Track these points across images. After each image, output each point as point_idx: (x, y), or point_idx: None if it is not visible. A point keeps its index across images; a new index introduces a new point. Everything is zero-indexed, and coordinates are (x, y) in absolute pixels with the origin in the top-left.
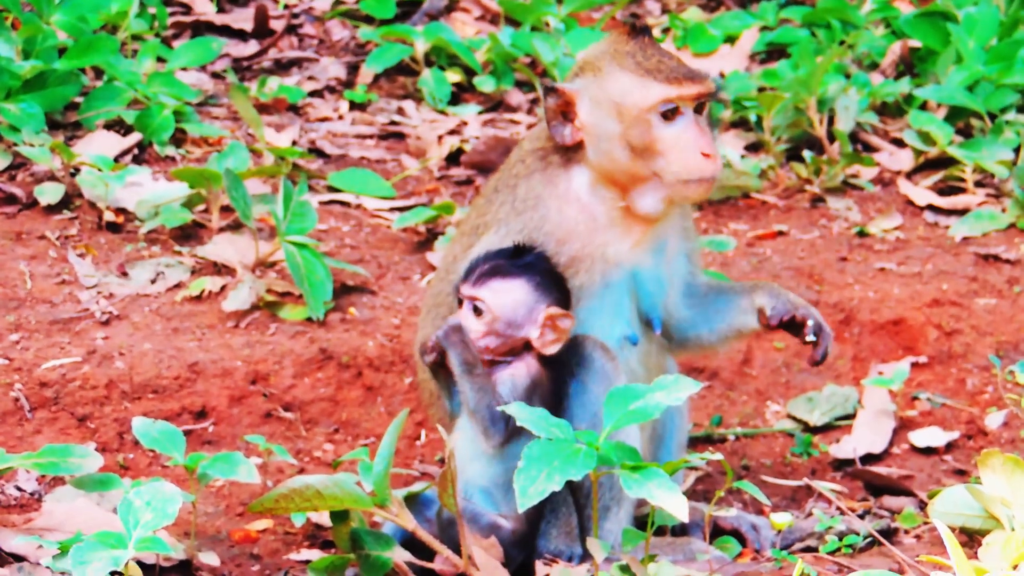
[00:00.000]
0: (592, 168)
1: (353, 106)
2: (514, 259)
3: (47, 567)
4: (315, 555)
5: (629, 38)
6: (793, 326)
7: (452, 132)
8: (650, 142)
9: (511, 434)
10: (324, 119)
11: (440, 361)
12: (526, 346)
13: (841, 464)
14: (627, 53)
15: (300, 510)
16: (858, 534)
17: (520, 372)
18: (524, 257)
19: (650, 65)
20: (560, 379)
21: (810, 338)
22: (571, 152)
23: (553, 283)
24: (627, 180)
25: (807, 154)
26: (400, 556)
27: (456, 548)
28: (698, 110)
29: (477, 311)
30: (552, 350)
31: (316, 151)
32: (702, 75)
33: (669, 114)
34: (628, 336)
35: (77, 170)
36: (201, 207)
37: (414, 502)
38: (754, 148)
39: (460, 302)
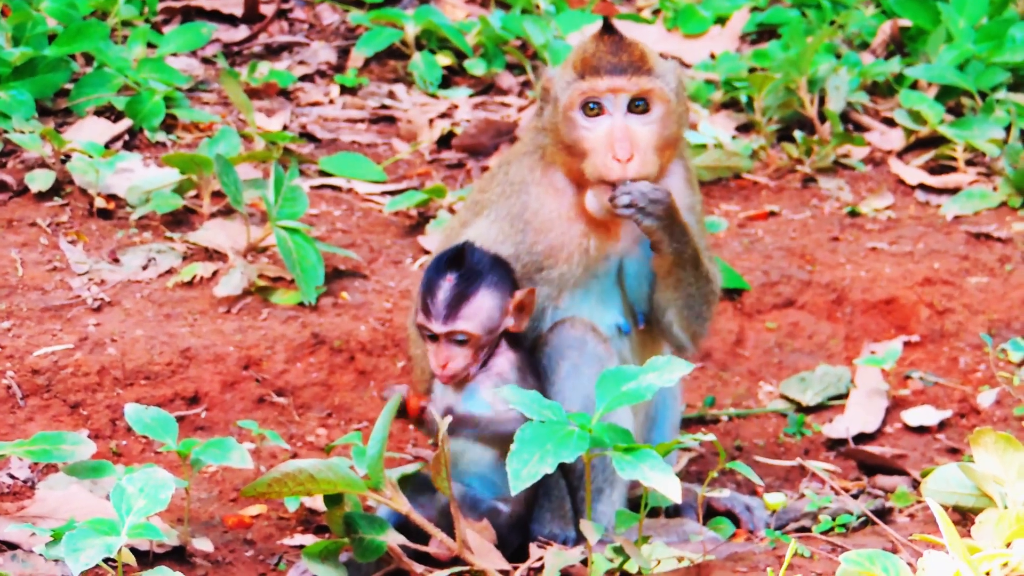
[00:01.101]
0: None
1: (344, 90)
2: (460, 272)
3: (40, 554)
4: (309, 540)
5: (600, 32)
6: None
7: (443, 115)
8: (574, 140)
9: None
10: (315, 103)
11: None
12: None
13: (834, 444)
14: (583, 47)
15: (293, 494)
16: (851, 513)
17: (503, 369)
18: (466, 263)
19: (588, 59)
20: (550, 362)
21: None
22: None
23: (501, 268)
24: (573, 177)
25: (798, 134)
26: (394, 539)
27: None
28: (635, 109)
29: (459, 342)
30: (526, 324)
31: (307, 135)
32: (636, 71)
33: (591, 112)
34: (620, 325)
35: (68, 157)
36: (192, 193)
37: (423, 486)
38: (745, 129)
39: (428, 336)
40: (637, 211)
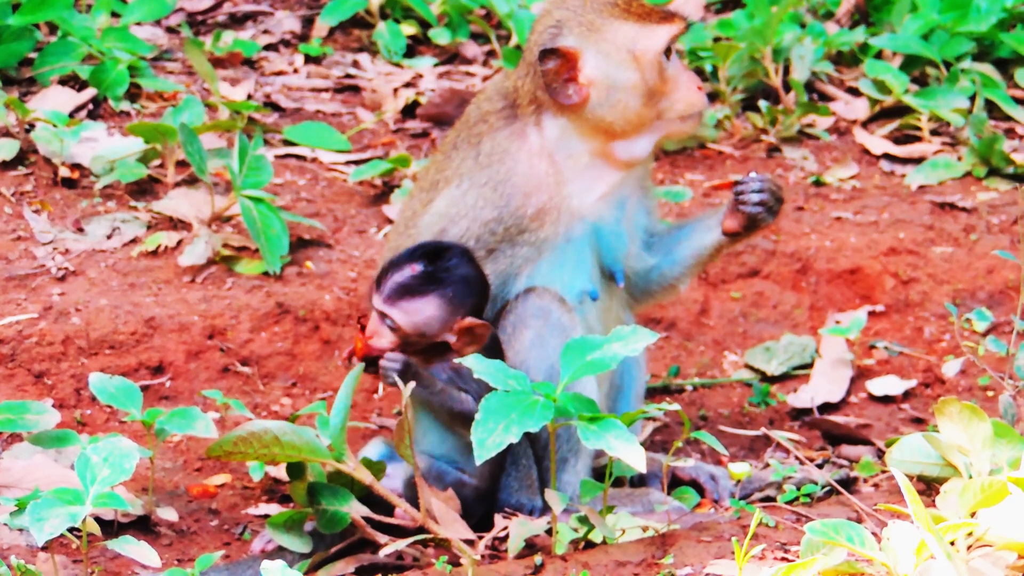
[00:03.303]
0: (582, 121)
1: (308, 59)
2: (427, 269)
3: (4, 524)
4: (274, 510)
5: None
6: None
7: (407, 85)
8: (662, 83)
9: None
10: (279, 73)
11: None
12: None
13: (799, 413)
14: (611, 4)
15: (258, 458)
16: (816, 483)
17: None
18: (438, 264)
19: (643, 11)
20: (514, 330)
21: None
22: (542, 107)
23: (467, 289)
24: (630, 128)
25: (763, 104)
26: (357, 511)
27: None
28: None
29: (390, 326)
30: (471, 351)
31: (271, 105)
32: (679, 12)
33: (668, 54)
34: (588, 291)
35: (32, 126)
36: (156, 162)
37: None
38: (710, 98)
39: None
40: (765, 210)
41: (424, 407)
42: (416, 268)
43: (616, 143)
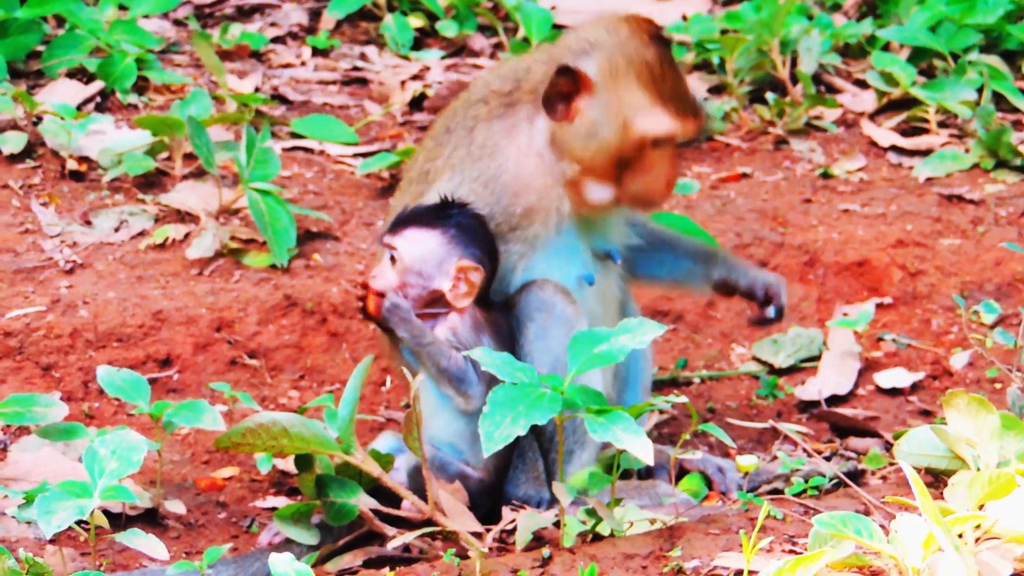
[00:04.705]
0: (560, 136)
1: (316, 52)
2: (436, 211)
3: (13, 517)
4: (281, 502)
5: (650, 42)
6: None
7: (415, 77)
8: (635, 161)
9: (487, 385)
10: (287, 65)
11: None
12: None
13: (807, 406)
14: (646, 65)
15: (267, 449)
16: (824, 476)
17: (457, 323)
18: (448, 210)
19: (666, 91)
20: (518, 324)
21: (770, 315)
22: (539, 107)
23: (471, 238)
24: (589, 173)
25: (770, 96)
26: (365, 503)
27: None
28: None
29: (392, 259)
30: (464, 303)
31: (279, 97)
32: (704, 109)
33: (660, 144)
34: (584, 276)
35: (39, 119)
36: (164, 155)
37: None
38: (717, 90)
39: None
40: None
41: (415, 359)
42: (422, 209)
43: (587, 180)
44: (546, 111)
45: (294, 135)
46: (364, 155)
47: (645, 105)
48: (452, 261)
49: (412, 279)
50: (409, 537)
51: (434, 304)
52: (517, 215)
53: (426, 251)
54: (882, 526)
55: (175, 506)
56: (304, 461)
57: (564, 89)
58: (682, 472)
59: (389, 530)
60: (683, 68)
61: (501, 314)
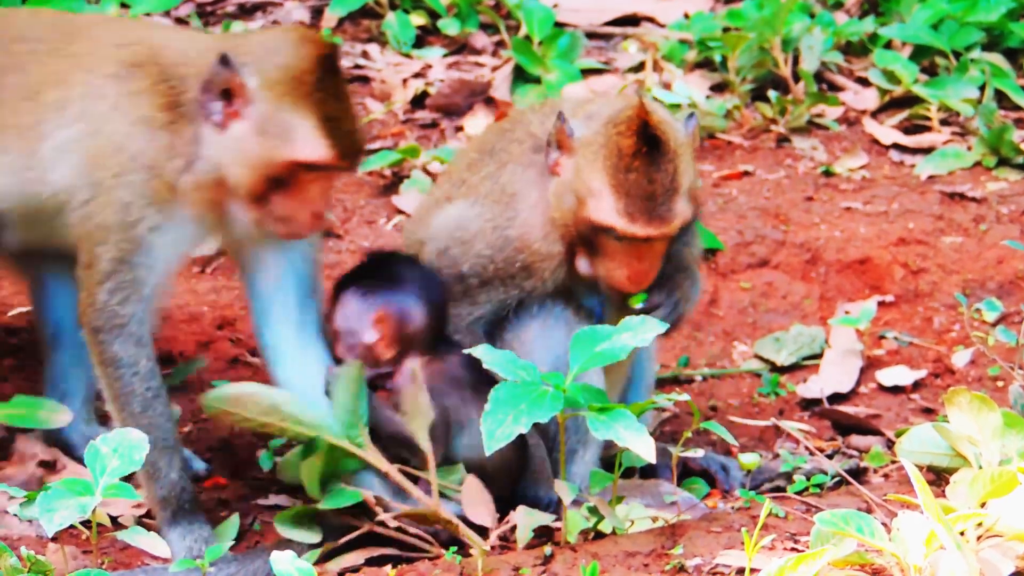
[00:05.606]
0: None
1: None
2: (360, 271)
3: (14, 514)
4: (283, 500)
5: (636, 143)
6: None
7: (417, 75)
8: (595, 246)
9: (445, 437)
10: None
11: None
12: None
13: (808, 404)
14: (624, 169)
15: (260, 427)
16: (826, 473)
17: (406, 381)
18: (371, 266)
19: (632, 192)
20: (519, 322)
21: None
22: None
23: (396, 287)
24: (567, 236)
25: (772, 94)
26: (369, 493)
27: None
28: None
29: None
30: (388, 354)
31: None
32: (671, 219)
33: (603, 237)
34: (590, 306)
35: None
36: None
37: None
38: (719, 88)
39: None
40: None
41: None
42: (353, 269)
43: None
44: (544, 155)
45: None
46: (366, 153)
47: (606, 197)
48: (370, 313)
49: (346, 339)
50: (400, 511)
51: (374, 360)
52: (517, 268)
53: (348, 309)
54: (884, 524)
55: None
56: (307, 449)
57: (556, 138)
58: (684, 470)
59: (390, 519)
60: (660, 190)
61: (462, 361)
